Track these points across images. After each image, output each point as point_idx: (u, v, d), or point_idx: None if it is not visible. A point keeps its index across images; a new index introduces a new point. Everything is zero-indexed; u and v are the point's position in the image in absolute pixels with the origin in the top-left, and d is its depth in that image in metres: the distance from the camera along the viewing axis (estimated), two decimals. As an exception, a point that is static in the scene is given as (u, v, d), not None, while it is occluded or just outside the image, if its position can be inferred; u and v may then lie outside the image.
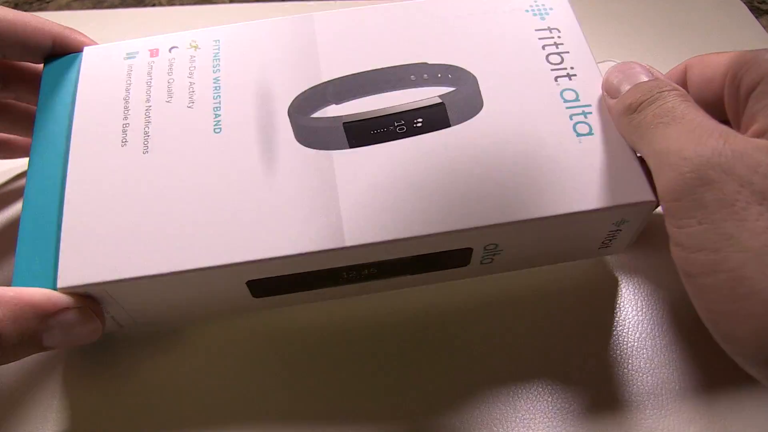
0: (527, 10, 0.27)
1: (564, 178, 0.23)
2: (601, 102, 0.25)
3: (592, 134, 0.24)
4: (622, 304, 0.27)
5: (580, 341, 0.26)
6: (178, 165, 0.24)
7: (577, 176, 0.23)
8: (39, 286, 0.22)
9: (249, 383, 0.26)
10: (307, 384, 0.25)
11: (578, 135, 0.24)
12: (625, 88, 0.23)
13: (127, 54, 0.27)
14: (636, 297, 0.27)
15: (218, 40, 0.27)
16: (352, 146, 0.24)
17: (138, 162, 0.24)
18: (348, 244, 0.22)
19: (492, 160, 0.24)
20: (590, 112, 0.24)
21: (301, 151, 0.24)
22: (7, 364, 0.21)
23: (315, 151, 0.24)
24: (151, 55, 0.27)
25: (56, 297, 0.22)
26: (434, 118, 0.24)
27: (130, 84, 0.26)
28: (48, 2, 0.47)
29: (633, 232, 0.25)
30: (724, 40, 0.39)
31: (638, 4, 0.41)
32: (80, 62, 0.27)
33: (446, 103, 0.25)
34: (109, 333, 0.26)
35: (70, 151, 0.24)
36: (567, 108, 0.25)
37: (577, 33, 0.27)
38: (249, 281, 0.23)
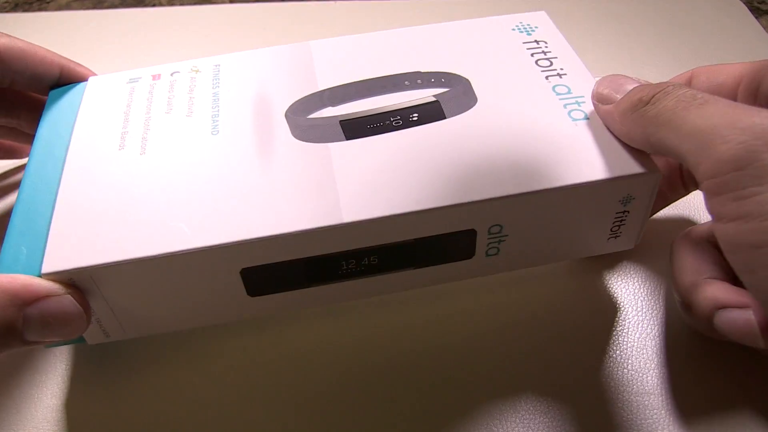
0: (513, 29, 0.29)
1: (565, 154, 0.23)
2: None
3: (587, 119, 0.24)
4: (620, 305, 0.27)
5: (580, 348, 0.26)
6: (173, 161, 0.24)
7: (578, 153, 0.23)
8: (24, 273, 0.21)
9: (247, 403, 0.24)
10: (305, 403, 0.24)
11: (574, 120, 0.24)
12: (623, 91, 0.23)
13: (130, 79, 0.28)
14: (633, 299, 0.27)
15: (218, 65, 0.28)
16: (348, 139, 0.24)
17: (134, 161, 0.24)
18: (346, 220, 0.21)
19: (491, 141, 0.23)
20: (584, 101, 0.25)
21: (298, 145, 0.24)
22: None
23: (312, 144, 0.24)
24: (153, 79, 0.27)
25: (35, 284, 0.20)
26: (430, 113, 0.25)
27: (131, 101, 0.26)
28: (48, 2, 0.47)
29: (640, 218, 0.24)
30: (724, 40, 0.39)
31: (638, 4, 0.42)
32: (84, 88, 0.27)
33: (441, 101, 0.25)
34: (97, 343, 0.24)
35: (67, 155, 0.24)
36: (560, 99, 0.25)
37: (563, 44, 0.28)
38: (243, 270, 0.22)
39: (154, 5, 0.47)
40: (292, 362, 0.26)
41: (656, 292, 0.27)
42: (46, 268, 0.21)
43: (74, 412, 0.24)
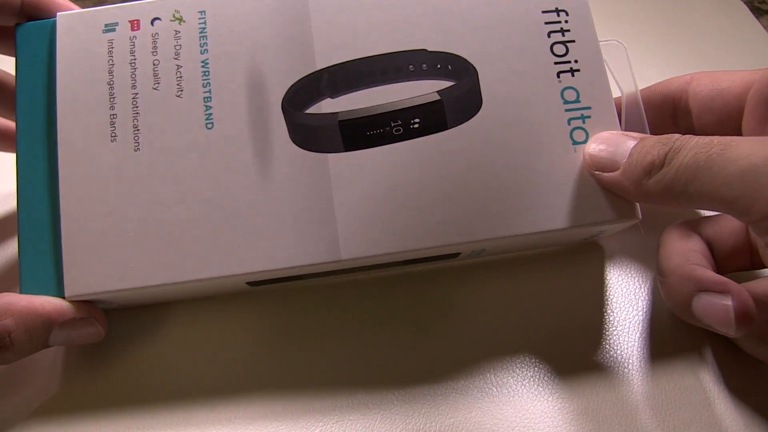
0: None
1: (555, 191, 0.24)
2: (600, 106, 0.24)
3: (586, 143, 0.24)
4: (612, 281, 0.28)
5: (569, 319, 0.27)
6: (171, 165, 0.24)
7: (569, 188, 0.24)
8: (45, 292, 0.23)
9: (239, 358, 0.26)
10: (298, 356, 0.26)
11: (574, 143, 0.24)
12: (623, 153, 0.22)
13: (106, 26, 0.25)
14: (627, 275, 0.28)
15: (204, 11, 0.25)
16: (347, 148, 0.24)
17: (130, 160, 0.24)
18: (344, 257, 0.23)
19: (487, 168, 0.24)
20: (588, 117, 0.24)
21: (296, 153, 0.24)
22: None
23: (310, 154, 0.24)
24: (132, 29, 0.25)
25: (65, 308, 0.23)
26: (431, 119, 0.24)
27: (113, 65, 0.24)
28: None
29: (617, 232, 0.26)
30: (724, 40, 0.38)
31: (638, 4, 0.39)
32: (54, 33, 0.25)
33: (444, 101, 0.24)
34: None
35: (59, 145, 0.24)
36: (566, 111, 0.24)
37: (585, 15, 0.25)
38: (249, 282, 0.24)
39: None
40: (268, 323, 0.27)
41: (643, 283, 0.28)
42: (70, 292, 0.23)
43: (63, 390, 0.25)
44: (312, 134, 0.24)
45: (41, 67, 0.25)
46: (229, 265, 0.23)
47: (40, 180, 0.24)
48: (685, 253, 0.24)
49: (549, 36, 0.25)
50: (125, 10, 0.25)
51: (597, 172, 0.23)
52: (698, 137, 0.21)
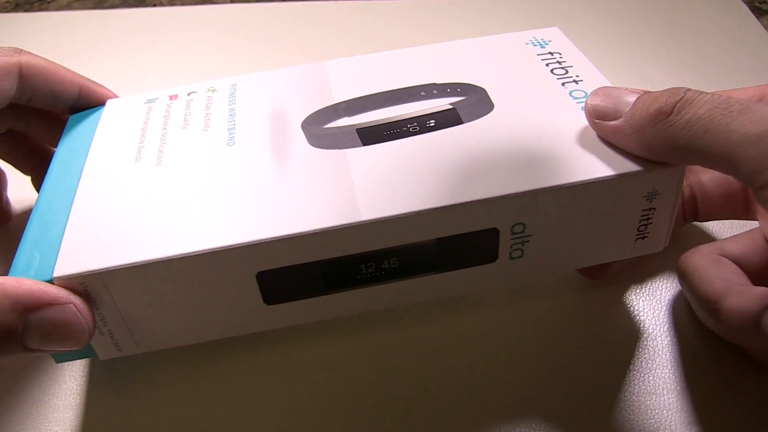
0: (527, 43, 0.29)
1: (585, 151, 0.22)
2: None
3: None
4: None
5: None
6: (189, 169, 0.24)
7: (598, 150, 0.22)
8: (36, 278, 0.20)
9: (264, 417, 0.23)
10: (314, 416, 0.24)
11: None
12: (625, 104, 0.22)
13: (148, 100, 0.28)
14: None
15: (235, 85, 0.28)
16: (365, 144, 0.24)
17: (150, 172, 0.24)
18: (364, 218, 0.21)
19: (510, 140, 0.23)
20: None
21: (314, 151, 0.24)
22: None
23: (329, 150, 0.24)
24: (171, 99, 0.28)
25: (40, 291, 0.20)
26: (447, 119, 0.24)
27: (148, 119, 0.27)
28: (49, 2, 0.46)
29: (667, 215, 0.23)
30: (725, 40, 0.38)
31: (638, 4, 0.41)
32: (102, 111, 0.28)
33: (458, 108, 0.25)
34: (107, 359, 0.23)
35: (84, 169, 0.24)
36: (578, 103, 0.25)
37: (578, 55, 0.28)
38: (260, 274, 0.21)
39: (154, 5, 0.47)
40: (298, 377, 0.25)
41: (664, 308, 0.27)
42: (58, 271, 0.20)
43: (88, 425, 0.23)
44: (330, 138, 0.24)
45: (87, 133, 0.27)
46: (237, 233, 0.21)
47: (61, 197, 0.24)
48: (726, 276, 0.23)
49: (548, 65, 0.27)
50: (166, 90, 0.28)
51: (598, 121, 0.23)
52: (712, 94, 0.21)
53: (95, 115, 0.28)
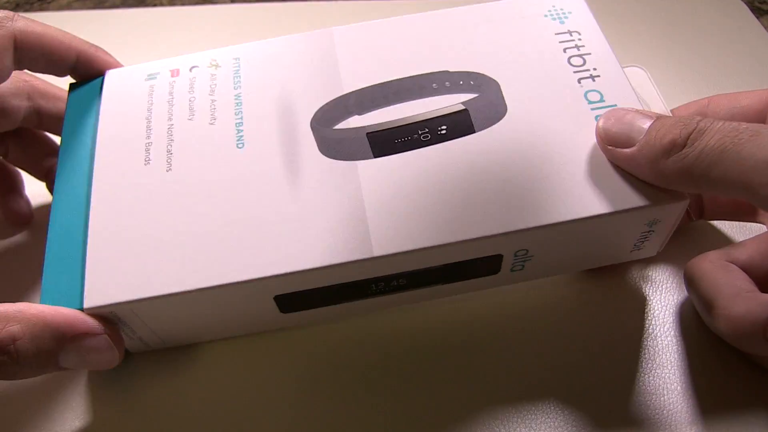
0: (546, 15, 0.27)
1: (593, 180, 0.23)
2: (626, 104, 0.24)
3: None
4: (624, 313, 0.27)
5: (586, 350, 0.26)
6: (201, 181, 0.24)
7: (607, 178, 0.23)
8: (65, 305, 0.22)
9: (265, 404, 0.25)
10: (320, 400, 0.25)
11: None
12: (638, 130, 0.22)
13: (148, 75, 0.27)
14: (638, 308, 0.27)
15: (238, 58, 0.27)
16: (376, 156, 0.24)
17: (161, 180, 0.24)
18: (376, 254, 0.22)
19: (519, 164, 0.23)
20: None
21: (325, 162, 0.24)
22: (21, 380, 0.21)
23: (339, 162, 0.24)
24: (172, 75, 0.27)
25: (78, 322, 0.21)
26: (458, 125, 0.24)
27: (151, 104, 0.26)
28: (49, 2, 0.46)
29: (665, 233, 0.24)
30: (724, 40, 0.38)
31: (638, 4, 0.41)
32: (101, 86, 0.27)
33: (470, 110, 0.24)
34: (136, 351, 0.26)
35: (94, 171, 0.24)
36: (592, 110, 0.24)
37: (597, 34, 0.26)
38: (277, 296, 0.23)
39: (154, 5, 0.46)
40: (298, 364, 0.26)
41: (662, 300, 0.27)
42: (88, 303, 0.22)
43: (87, 423, 0.25)
44: (341, 145, 0.24)
45: (90, 116, 0.26)
46: (255, 268, 0.22)
47: (74, 203, 0.24)
48: (734, 282, 0.23)
49: (565, 51, 0.26)
50: (166, 63, 0.27)
51: (611, 147, 0.23)
52: (723, 121, 0.21)
53: (96, 93, 0.27)
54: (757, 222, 0.27)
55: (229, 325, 0.25)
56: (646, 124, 0.22)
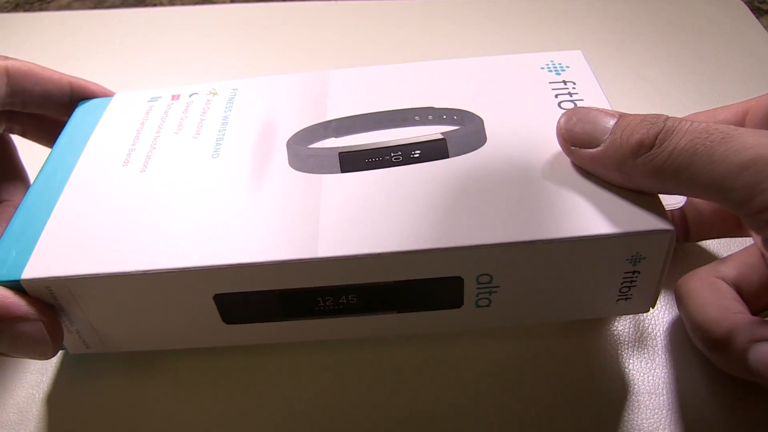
0: (542, 68, 0.27)
1: (567, 204, 0.21)
2: None
3: None
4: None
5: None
6: (169, 182, 0.24)
7: (582, 203, 0.21)
8: (6, 276, 0.21)
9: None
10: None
11: None
12: (602, 130, 0.21)
13: (151, 98, 0.28)
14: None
15: (236, 90, 0.28)
16: (343, 171, 0.23)
17: (133, 178, 0.24)
18: (320, 255, 0.20)
19: (489, 184, 0.22)
20: None
21: (292, 173, 0.23)
22: None
23: (306, 174, 0.23)
24: (172, 99, 0.28)
25: (12, 304, 0.21)
26: (433, 151, 0.23)
27: (146, 119, 0.27)
28: (49, 2, 0.46)
29: (655, 276, 0.21)
30: (724, 40, 0.38)
31: (638, 4, 0.41)
32: (108, 104, 0.28)
33: (448, 139, 0.24)
34: (77, 353, 0.24)
35: (75, 167, 0.25)
36: (576, 145, 0.23)
37: (593, 86, 0.26)
38: (217, 296, 0.22)
39: (154, 5, 0.46)
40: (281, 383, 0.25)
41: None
42: (26, 274, 0.21)
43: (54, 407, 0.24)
44: (310, 160, 0.24)
45: (88, 127, 0.27)
46: (194, 258, 0.21)
47: (49, 192, 0.24)
48: (722, 302, 0.23)
49: (557, 97, 0.25)
50: (170, 89, 0.28)
51: (574, 148, 0.21)
52: (692, 121, 0.20)
53: (101, 107, 0.28)
54: (744, 236, 0.27)
55: (170, 332, 0.23)
56: (611, 122, 0.21)
